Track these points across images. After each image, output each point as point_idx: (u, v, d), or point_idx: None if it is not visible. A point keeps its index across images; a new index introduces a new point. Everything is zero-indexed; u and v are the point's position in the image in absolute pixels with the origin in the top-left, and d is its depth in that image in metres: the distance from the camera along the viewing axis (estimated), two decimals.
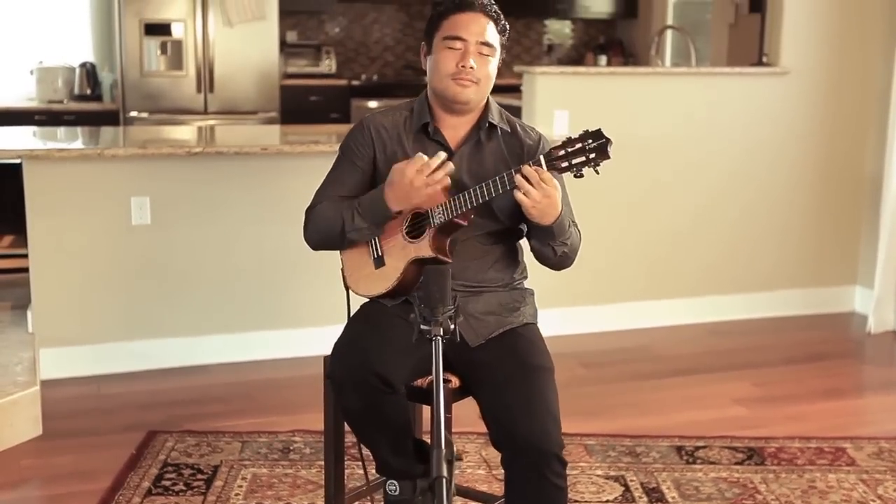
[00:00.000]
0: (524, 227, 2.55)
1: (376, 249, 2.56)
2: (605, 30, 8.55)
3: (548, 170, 2.34)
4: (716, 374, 4.45)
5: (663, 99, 5.06)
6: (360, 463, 2.67)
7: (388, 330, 2.45)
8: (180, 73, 6.58)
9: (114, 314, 4.29)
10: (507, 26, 2.57)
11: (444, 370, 2.03)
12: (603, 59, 8.23)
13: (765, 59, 5.29)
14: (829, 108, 5.29)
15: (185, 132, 5.66)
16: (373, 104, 7.24)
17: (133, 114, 6.52)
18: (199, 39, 6.56)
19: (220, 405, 3.95)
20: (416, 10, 7.93)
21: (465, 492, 2.96)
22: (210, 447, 3.53)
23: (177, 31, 6.50)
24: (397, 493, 2.44)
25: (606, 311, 5.03)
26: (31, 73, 6.78)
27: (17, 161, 4.16)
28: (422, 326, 1.95)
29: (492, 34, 2.51)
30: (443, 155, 2.40)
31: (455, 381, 2.50)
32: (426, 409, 2.79)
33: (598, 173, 2.36)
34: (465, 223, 2.44)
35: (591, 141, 2.32)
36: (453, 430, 2.69)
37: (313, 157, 4.13)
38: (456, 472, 2.98)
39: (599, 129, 2.34)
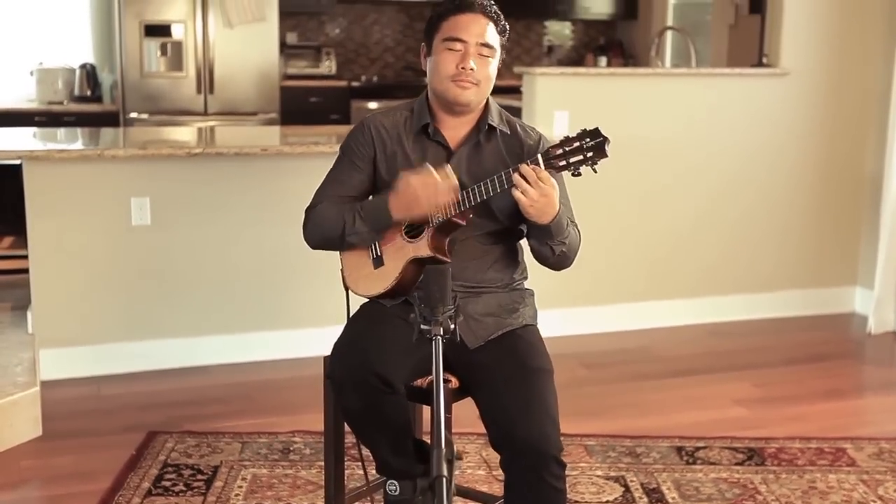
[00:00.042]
0: (524, 228, 2.55)
1: (375, 249, 2.56)
2: (605, 31, 8.55)
3: (545, 168, 2.34)
4: (716, 374, 4.45)
5: (663, 100, 5.06)
6: (360, 463, 2.67)
7: (388, 330, 2.45)
8: (180, 74, 6.58)
9: (114, 315, 4.29)
10: (507, 27, 2.57)
11: (444, 370, 2.03)
12: (603, 60, 8.24)
13: (765, 60, 5.29)
14: (830, 109, 5.29)
15: (185, 133, 5.66)
16: (373, 105, 7.24)
17: (133, 115, 6.52)
18: (200, 40, 6.56)
19: (219, 406, 3.95)
20: (416, 12, 7.93)
21: (465, 492, 2.96)
22: (210, 448, 3.53)
23: (177, 32, 6.50)
24: (397, 492, 2.44)
25: (607, 312, 5.03)
26: (31, 74, 6.79)
27: (17, 162, 4.16)
28: (422, 326, 1.95)
29: (492, 35, 2.51)
30: (452, 178, 2.39)
31: (455, 382, 2.50)
32: (426, 410, 2.79)
33: (595, 172, 2.36)
34: (464, 223, 2.44)
35: (588, 140, 2.32)
36: (453, 430, 2.69)
37: (313, 158, 4.13)
38: (456, 472, 2.97)
39: (597, 128, 2.33)
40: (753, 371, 4.50)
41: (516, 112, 4.74)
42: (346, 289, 2.65)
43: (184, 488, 3.21)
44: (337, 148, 2.72)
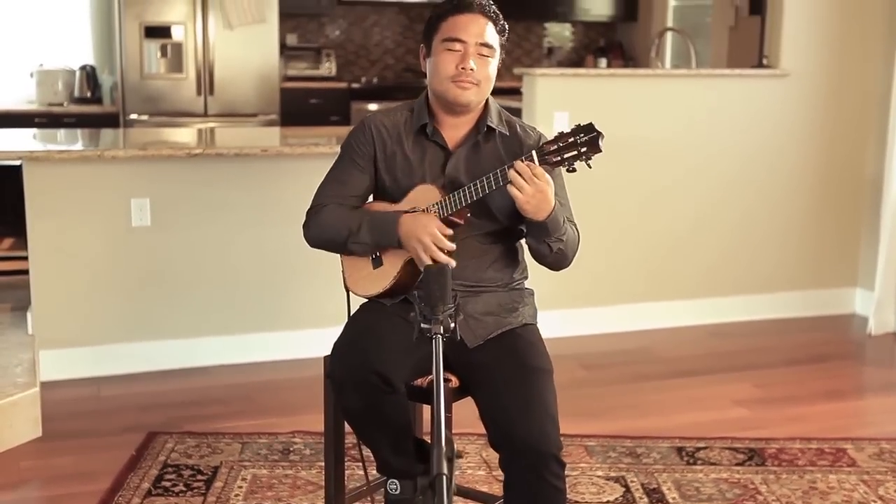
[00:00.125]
0: (524, 228, 2.55)
1: (375, 252, 2.56)
2: (605, 32, 8.56)
3: (540, 164, 2.34)
4: (716, 375, 4.45)
5: (663, 101, 5.06)
6: (361, 463, 2.66)
7: (388, 329, 2.45)
8: (180, 75, 6.58)
9: (114, 316, 4.28)
10: (507, 26, 2.57)
11: (444, 370, 2.03)
12: (603, 61, 8.24)
13: (765, 62, 5.29)
14: (830, 111, 5.29)
15: (185, 134, 5.66)
16: (373, 107, 7.24)
17: (133, 116, 6.53)
18: (200, 42, 6.56)
19: (219, 406, 3.94)
20: (416, 13, 7.93)
21: (465, 492, 2.96)
22: (210, 448, 3.52)
23: (177, 33, 6.51)
24: (398, 492, 2.44)
25: (607, 313, 5.03)
26: (32, 75, 6.79)
27: (18, 163, 4.16)
28: (422, 325, 1.94)
29: (491, 35, 2.51)
30: (450, 255, 2.41)
31: (455, 381, 2.50)
32: (426, 409, 2.79)
33: (590, 167, 2.36)
34: (462, 222, 2.44)
35: (582, 135, 2.33)
36: (453, 430, 2.68)
37: (313, 159, 4.13)
38: (456, 472, 2.97)
39: (591, 123, 2.33)
40: (754, 372, 4.50)
41: (516, 113, 4.74)
42: (347, 289, 2.65)
43: (184, 489, 3.21)
44: (337, 148, 2.72)
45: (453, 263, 2.38)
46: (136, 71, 6.49)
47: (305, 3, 7.42)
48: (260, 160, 4.35)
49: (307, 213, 2.64)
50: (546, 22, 8.41)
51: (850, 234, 5.44)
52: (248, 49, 6.68)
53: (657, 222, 5.09)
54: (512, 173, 2.33)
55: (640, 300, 5.09)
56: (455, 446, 2.27)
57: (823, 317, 5.36)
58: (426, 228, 2.41)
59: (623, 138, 4.81)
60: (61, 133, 5.66)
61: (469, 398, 2.49)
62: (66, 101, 6.79)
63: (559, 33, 8.51)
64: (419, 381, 2.52)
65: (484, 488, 3.14)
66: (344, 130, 4.37)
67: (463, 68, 2.47)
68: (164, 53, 6.51)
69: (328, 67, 7.54)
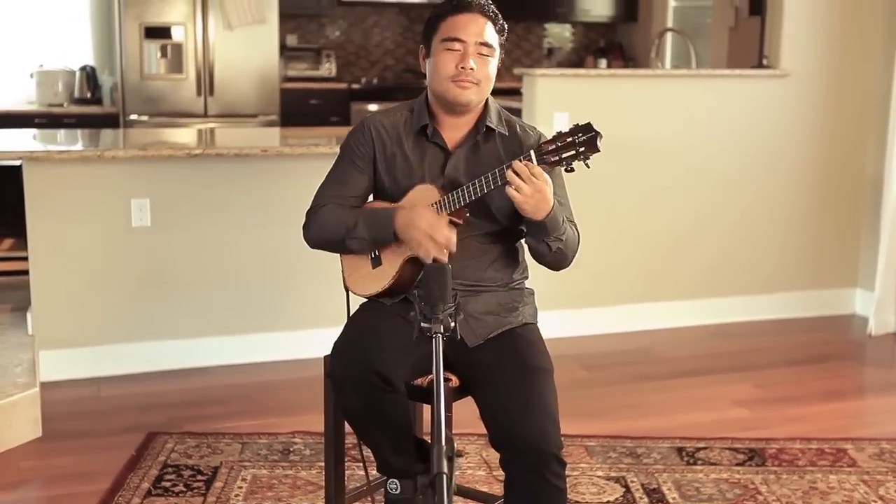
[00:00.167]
0: (524, 228, 2.55)
1: (374, 250, 2.56)
2: (605, 33, 8.56)
3: (538, 164, 2.34)
4: (717, 375, 4.45)
5: (663, 101, 5.06)
6: (361, 463, 2.66)
7: (388, 329, 2.45)
8: (180, 76, 6.58)
9: (114, 316, 4.28)
10: (506, 26, 2.57)
11: (444, 369, 2.03)
12: (603, 62, 8.24)
13: (765, 62, 5.29)
14: (830, 111, 5.29)
15: (185, 135, 5.66)
16: (373, 107, 7.24)
17: (133, 117, 6.53)
18: (200, 43, 6.56)
19: (219, 407, 3.94)
20: (416, 14, 7.93)
21: (465, 492, 2.96)
22: (210, 448, 3.52)
23: (177, 34, 6.51)
24: (398, 491, 2.44)
25: (607, 313, 5.03)
26: (32, 76, 6.79)
27: (17, 163, 4.16)
28: (422, 324, 1.94)
29: (490, 34, 2.51)
30: (452, 246, 2.41)
31: (455, 380, 2.50)
32: (426, 409, 2.78)
33: (588, 167, 2.35)
34: (461, 221, 2.44)
35: (580, 135, 2.33)
36: (453, 430, 2.68)
37: (313, 159, 4.13)
38: (456, 472, 2.97)
39: (589, 123, 2.33)
40: (754, 372, 4.50)
41: (516, 114, 4.73)
42: (347, 289, 2.65)
43: (184, 489, 3.21)
44: (337, 149, 2.72)
45: (444, 258, 2.38)
46: (136, 71, 6.49)
47: (305, 3, 7.42)
48: (260, 160, 4.35)
49: (306, 214, 2.64)
50: (546, 23, 8.41)
51: (851, 235, 5.43)
52: (248, 50, 6.68)
53: (657, 223, 5.09)
54: (510, 173, 2.33)
55: (640, 300, 5.09)
56: (455, 445, 2.26)
57: (823, 317, 5.36)
58: (427, 221, 2.40)
59: (623, 138, 4.81)
60: (61, 133, 5.66)
61: (469, 398, 2.49)
62: (66, 101, 6.79)
63: (559, 34, 8.51)
64: (419, 381, 2.52)
65: (484, 488, 3.14)
66: (344, 131, 4.36)
67: (463, 68, 2.46)
68: (164, 54, 6.51)
69: (328, 68, 7.54)
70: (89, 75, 6.90)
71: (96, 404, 3.99)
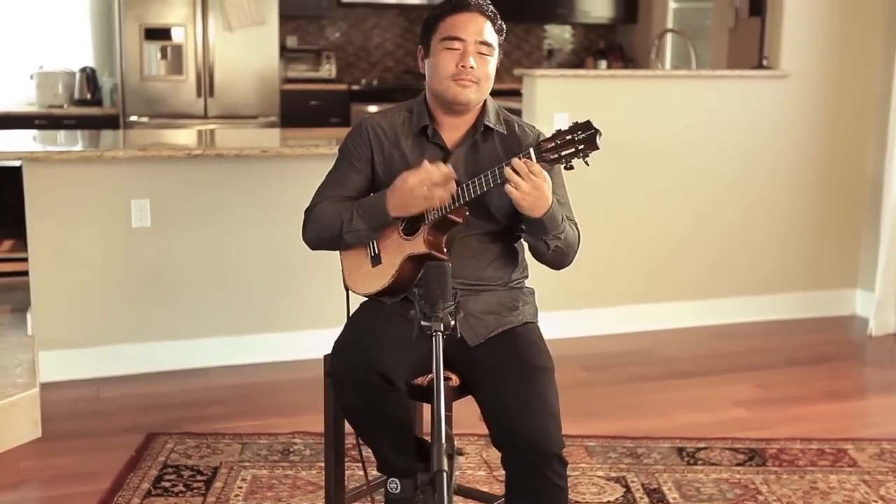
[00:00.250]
0: (524, 227, 2.55)
1: (373, 248, 2.57)
2: (605, 34, 8.56)
3: (537, 162, 2.34)
4: (717, 376, 4.44)
5: (663, 102, 5.06)
6: (361, 463, 2.66)
7: (388, 328, 2.44)
8: (180, 77, 6.58)
9: (114, 317, 4.28)
10: (504, 26, 2.57)
11: (444, 368, 2.02)
12: (603, 63, 8.24)
13: (765, 63, 5.29)
14: (830, 112, 5.29)
15: (185, 135, 5.66)
16: (373, 109, 7.23)
17: (133, 118, 6.53)
18: (200, 44, 6.56)
19: (219, 407, 3.94)
20: (415, 15, 7.93)
21: (465, 492, 2.96)
22: (210, 449, 3.52)
23: (177, 35, 6.51)
24: (398, 491, 2.43)
25: (607, 314, 5.02)
26: (32, 77, 6.78)
27: (17, 164, 4.16)
28: (422, 322, 1.94)
29: (490, 33, 2.51)
30: (447, 169, 2.39)
31: (455, 380, 2.50)
32: (426, 409, 2.78)
33: (587, 164, 2.35)
34: (460, 220, 2.44)
35: (580, 132, 2.32)
36: (454, 430, 2.68)
37: (313, 160, 4.12)
38: (456, 472, 2.97)
39: (588, 121, 2.33)
40: (755, 373, 4.49)
41: (516, 114, 4.73)
42: (346, 288, 2.65)
43: (183, 489, 3.20)
44: (337, 150, 2.72)
45: (451, 172, 2.37)
46: (136, 73, 6.49)
47: (305, 5, 7.42)
48: (260, 161, 4.35)
49: (304, 214, 2.64)
50: (546, 24, 8.41)
51: (851, 235, 5.43)
52: (249, 51, 6.68)
53: (657, 223, 5.09)
54: (508, 170, 2.33)
55: (640, 301, 5.09)
56: (455, 443, 2.26)
57: (824, 318, 5.36)
58: (405, 182, 2.40)
59: (623, 139, 4.81)
60: (61, 134, 5.65)
61: (469, 397, 2.49)
62: (66, 103, 6.79)
63: (559, 35, 8.51)
64: (419, 380, 2.52)
65: (484, 488, 3.14)
66: (344, 132, 4.36)
67: (462, 66, 2.47)
68: (164, 55, 6.51)
69: (328, 69, 7.54)
70: (89, 77, 6.90)
71: (96, 405, 3.99)
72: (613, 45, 8.48)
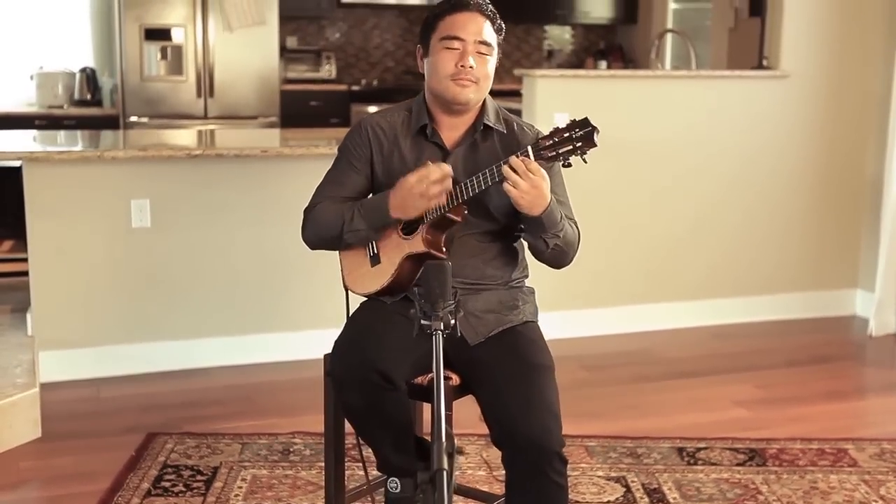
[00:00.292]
0: (523, 226, 2.55)
1: (372, 247, 2.57)
2: (605, 35, 8.56)
3: (535, 160, 2.33)
4: (717, 376, 4.44)
5: (663, 102, 5.06)
6: (361, 464, 2.66)
7: (388, 327, 2.44)
8: (180, 78, 6.58)
9: (114, 317, 4.28)
10: (503, 26, 2.57)
11: (444, 368, 2.02)
12: (603, 64, 8.24)
13: (765, 63, 5.29)
14: (830, 112, 5.29)
15: (185, 136, 5.66)
16: (373, 109, 7.22)
17: (133, 119, 6.53)
18: (200, 44, 6.56)
19: (219, 407, 3.94)
20: (415, 16, 7.93)
21: (465, 491, 2.95)
22: (210, 449, 3.52)
23: (177, 36, 6.51)
24: (398, 490, 2.43)
25: (607, 315, 5.02)
26: (32, 78, 6.78)
27: (17, 164, 4.16)
28: (422, 321, 1.94)
29: (489, 33, 2.51)
30: (447, 168, 2.39)
31: (455, 379, 2.49)
32: (426, 409, 2.78)
33: (585, 161, 2.35)
34: (459, 219, 2.44)
35: (577, 129, 2.32)
36: (454, 430, 2.68)
37: (313, 160, 4.12)
38: (457, 472, 2.97)
39: (586, 118, 2.33)
40: (755, 373, 4.49)
41: (516, 115, 4.73)
42: (346, 288, 2.65)
43: (183, 489, 3.20)
44: (336, 150, 2.72)
45: (449, 170, 2.36)
46: (136, 73, 6.49)
47: (305, 5, 7.42)
48: (260, 161, 4.35)
49: (304, 213, 2.64)
50: (546, 25, 8.41)
51: (851, 236, 5.43)
52: (248, 51, 6.69)
53: (657, 223, 5.09)
54: (506, 169, 2.32)
55: (640, 301, 5.09)
56: (455, 442, 2.26)
57: (824, 318, 5.36)
58: (405, 181, 2.40)
59: (623, 139, 4.81)
60: (61, 135, 5.65)
61: (469, 397, 2.49)
62: (66, 103, 6.79)
63: (559, 36, 8.51)
64: (420, 380, 2.51)
65: (484, 488, 3.14)
66: (344, 133, 4.37)
67: (462, 66, 2.46)
68: (164, 56, 6.51)
69: (328, 70, 7.54)
70: (89, 77, 6.90)
71: (96, 405, 3.98)
72: (613, 46, 8.48)
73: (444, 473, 1.66)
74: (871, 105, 5.30)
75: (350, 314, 2.61)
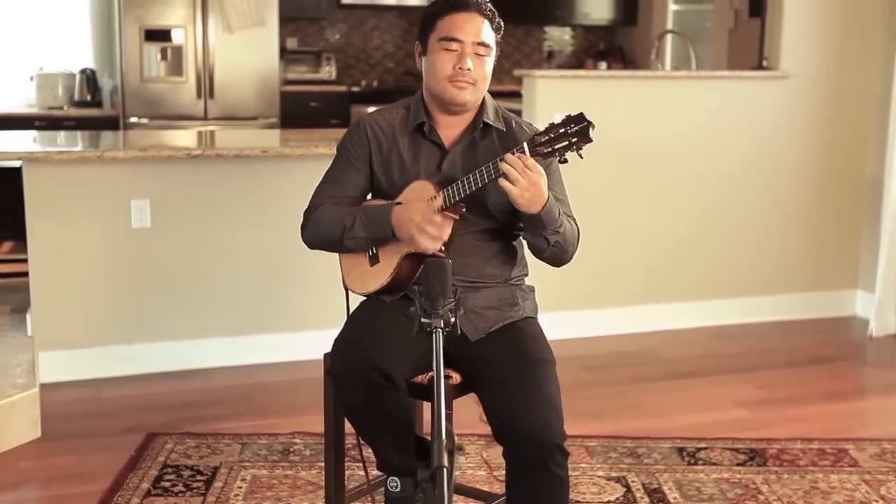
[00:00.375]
0: (522, 224, 2.54)
1: (371, 247, 2.56)
2: (604, 36, 8.56)
3: (531, 156, 2.33)
4: (717, 376, 4.44)
5: (663, 102, 5.05)
6: (361, 463, 2.65)
7: (388, 325, 2.44)
8: (180, 79, 6.58)
9: (114, 317, 4.28)
10: (502, 24, 2.56)
11: (445, 366, 2.02)
12: (603, 65, 8.23)
13: (765, 63, 5.28)
14: (830, 112, 5.29)
15: (185, 136, 5.66)
16: (372, 110, 7.22)
17: (133, 120, 6.53)
18: (200, 45, 6.56)
19: (219, 408, 3.93)
20: (415, 17, 7.92)
21: (465, 491, 2.95)
22: (210, 449, 3.51)
23: (177, 37, 6.51)
24: (398, 489, 2.43)
25: (607, 315, 5.02)
26: (32, 79, 6.78)
27: (17, 164, 4.16)
28: (422, 319, 1.94)
29: (487, 33, 2.50)
30: (446, 233, 2.40)
31: (456, 378, 2.49)
32: (427, 408, 2.77)
33: (581, 157, 2.35)
34: (457, 217, 2.43)
35: (573, 125, 2.32)
36: (454, 430, 2.68)
37: (313, 160, 4.11)
38: (457, 472, 2.96)
39: (581, 113, 2.33)
40: (755, 373, 4.49)
41: (516, 115, 4.73)
42: (346, 288, 2.65)
43: (183, 489, 3.20)
44: (335, 149, 2.71)
45: (437, 247, 2.37)
46: (136, 74, 6.49)
47: (305, 6, 7.42)
48: (260, 161, 4.35)
49: (304, 214, 2.64)
50: (546, 26, 8.41)
51: (851, 236, 5.43)
52: (248, 52, 6.68)
53: (657, 224, 5.09)
54: (504, 166, 2.32)
55: (640, 302, 5.09)
56: (455, 439, 2.25)
57: (824, 319, 5.35)
58: (421, 214, 2.40)
59: (623, 140, 4.81)
60: (61, 135, 5.64)
61: (469, 397, 2.49)
62: (66, 104, 6.78)
63: (559, 37, 8.51)
64: (420, 378, 2.51)
65: (485, 488, 3.13)
66: (343, 133, 4.37)
67: (460, 68, 2.46)
68: (164, 57, 6.51)
69: (328, 71, 7.54)
70: (89, 78, 6.90)
71: (96, 405, 3.98)
72: (613, 47, 8.48)
73: (445, 471, 1.66)
74: (871, 105, 5.30)
75: (350, 312, 2.61)
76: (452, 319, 1.93)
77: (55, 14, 6.90)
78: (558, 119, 2.39)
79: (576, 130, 2.31)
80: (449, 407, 2.40)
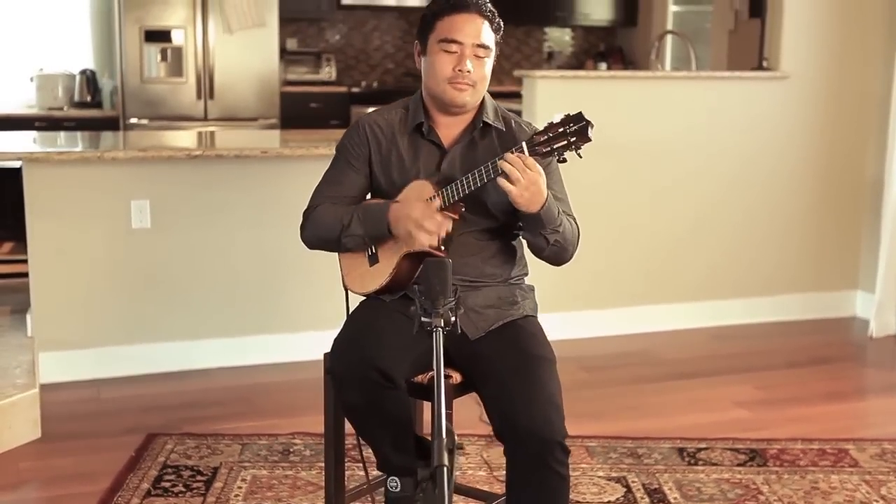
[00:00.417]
0: (521, 224, 2.54)
1: (371, 247, 2.56)
2: (604, 37, 8.56)
3: (530, 155, 2.33)
4: (718, 377, 4.44)
5: (663, 103, 5.05)
6: (361, 464, 2.65)
7: (388, 325, 2.44)
8: (180, 79, 6.58)
9: (114, 318, 4.28)
10: (502, 24, 2.56)
11: (445, 365, 2.02)
12: (603, 66, 8.23)
13: (765, 64, 5.29)
14: (830, 113, 5.29)
15: (185, 137, 5.66)
16: (371, 110, 7.21)
17: (133, 120, 6.53)
18: (200, 46, 6.56)
19: (219, 408, 3.93)
20: (415, 18, 7.83)
21: (465, 491, 2.95)
22: (210, 449, 3.51)
23: (177, 37, 6.51)
24: (398, 489, 2.42)
25: (607, 316, 5.02)
26: (32, 80, 6.78)
27: (17, 165, 4.15)
28: (422, 318, 1.94)
29: (487, 34, 2.50)
30: (445, 226, 2.39)
31: (456, 377, 2.49)
32: (426, 408, 2.77)
33: (580, 156, 2.35)
34: (456, 216, 2.43)
35: (571, 124, 2.33)
36: (454, 430, 2.67)
37: (313, 161, 4.11)
38: (457, 472, 2.96)
39: (580, 113, 2.33)
40: (755, 374, 4.49)
41: (516, 114, 4.73)
42: (346, 288, 2.65)
43: (183, 489, 3.20)
44: (335, 149, 2.71)
45: (434, 243, 2.36)
46: (136, 75, 6.49)
47: (305, 7, 7.42)
48: (260, 162, 4.35)
49: (303, 214, 2.64)
50: (546, 27, 8.41)
51: (851, 237, 5.43)
52: (248, 53, 6.68)
53: (657, 224, 5.09)
54: (503, 165, 2.32)
55: (640, 303, 5.08)
56: (456, 438, 2.25)
57: (824, 319, 5.35)
58: (419, 211, 2.40)
59: (623, 140, 4.81)
60: (61, 136, 5.64)
61: (469, 397, 2.49)
62: (66, 105, 6.78)
63: (559, 38, 8.51)
64: (420, 378, 2.51)
65: (485, 488, 3.13)
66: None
67: (460, 70, 2.46)
68: (164, 57, 6.51)
69: (328, 72, 7.54)
70: (89, 79, 6.90)
71: (96, 406, 3.98)
72: (613, 48, 8.49)
73: (445, 470, 1.66)
74: (871, 106, 5.30)
75: (350, 312, 2.61)
76: (452, 318, 1.93)
77: (55, 15, 6.91)
78: (557, 119, 2.39)
79: (575, 130, 2.31)
80: (449, 406, 2.40)
